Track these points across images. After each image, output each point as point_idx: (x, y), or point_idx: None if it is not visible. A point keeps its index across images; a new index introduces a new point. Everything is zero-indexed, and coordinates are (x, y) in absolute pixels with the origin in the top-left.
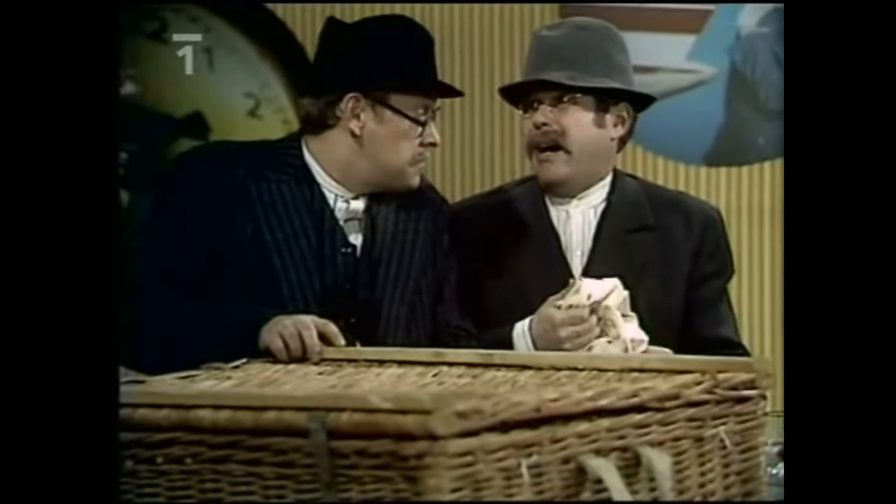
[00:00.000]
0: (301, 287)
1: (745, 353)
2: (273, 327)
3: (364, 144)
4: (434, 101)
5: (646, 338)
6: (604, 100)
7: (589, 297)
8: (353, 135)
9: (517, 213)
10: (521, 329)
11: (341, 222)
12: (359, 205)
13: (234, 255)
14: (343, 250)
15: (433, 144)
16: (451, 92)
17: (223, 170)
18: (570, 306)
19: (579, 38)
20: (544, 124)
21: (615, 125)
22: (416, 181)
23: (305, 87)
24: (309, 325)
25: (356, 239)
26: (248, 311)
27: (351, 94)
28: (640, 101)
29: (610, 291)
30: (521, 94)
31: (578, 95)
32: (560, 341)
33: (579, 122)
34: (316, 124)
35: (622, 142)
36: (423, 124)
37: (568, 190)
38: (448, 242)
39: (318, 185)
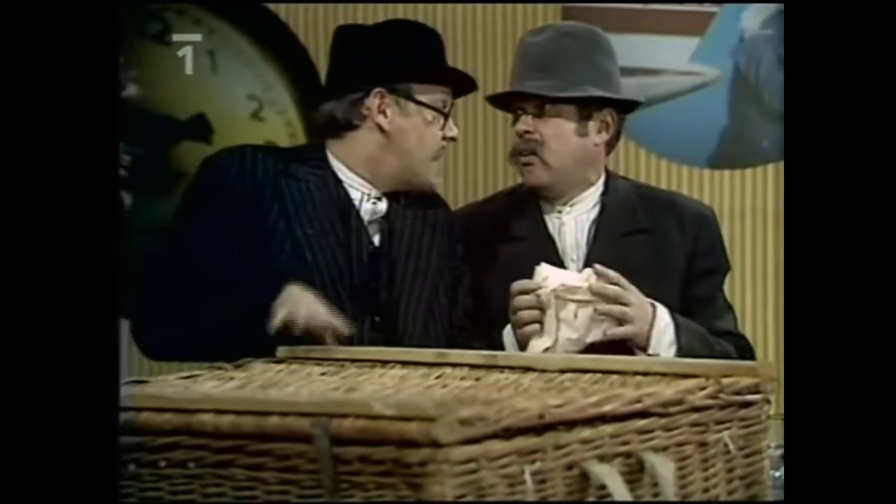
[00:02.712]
0: (333, 283)
1: (747, 343)
2: (287, 302)
3: (392, 139)
4: (451, 94)
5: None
6: (586, 107)
7: (546, 279)
8: (382, 130)
9: (513, 220)
10: (508, 328)
11: (366, 223)
12: (382, 207)
13: (267, 249)
14: (370, 250)
15: (452, 139)
16: (467, 83)
17: (254, 166)
18: (520, 291)
19: (562, 45)
20: (526, 132)
21: (599, 131)
22: (437, 179)
23: (326, 92)
24: (322, 330)
25: (379, 240)
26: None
27: (377, 90)
28: (626, 105)
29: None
30: (507, 102)
31: (560, 104)
32: (512, 325)
33: (560, 131)
34: (340, 127)
35: (609, 146)
36: (446, 115)
37: (554, 195)
38: (462, 252)
39: (343, 186)
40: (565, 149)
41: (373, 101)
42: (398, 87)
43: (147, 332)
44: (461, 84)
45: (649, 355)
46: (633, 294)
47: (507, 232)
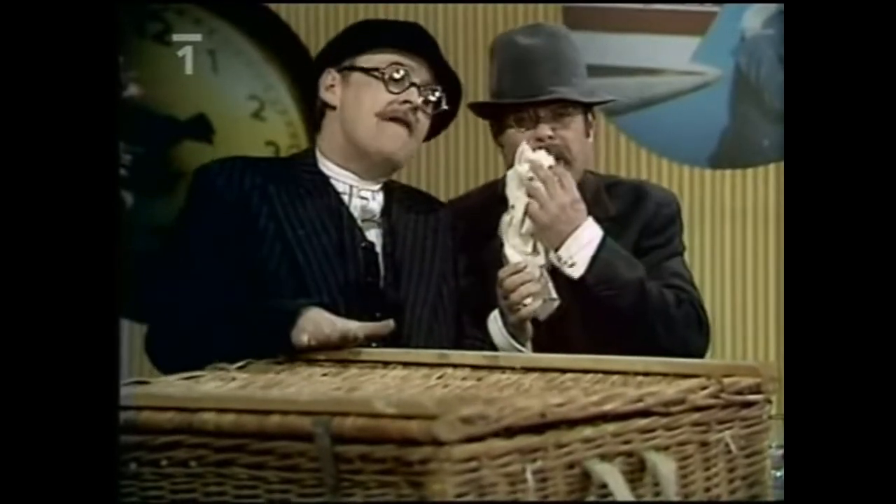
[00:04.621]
0: (326, 281)
1: (690, 298)
2: (306, 328)
3: (340, 113)
4: (414, 63)
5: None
6: (587, 109)
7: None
8: (333, 108)
9: (488, 217)
10: (492, 315)
11: (359, 221)
12: (374, 206)
13: (259, 253)
14: (362, 245)
15: (407, 102)
16: (425, 46)
17: (243, 174)
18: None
19: (560, 48)
20: (549, 137)
21: (591, 129)
22: (388, 145)
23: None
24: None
25: (374, 237)
26: (281, 303)
27: (327, 69)
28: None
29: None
30: (507, 108)
31: (574, 107)
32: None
33: (577, 134)
34: (318, 118)
35: None
36: (382, 73)
37: None
38: (465, 263)
39: (332, 184)
40: (582, 150)
41: (325, 80)
42: (344, 63)
43: (159, 349)
44: (410, 43)
45: (559, 259)
46: (565, 193)
47: (483, 230)
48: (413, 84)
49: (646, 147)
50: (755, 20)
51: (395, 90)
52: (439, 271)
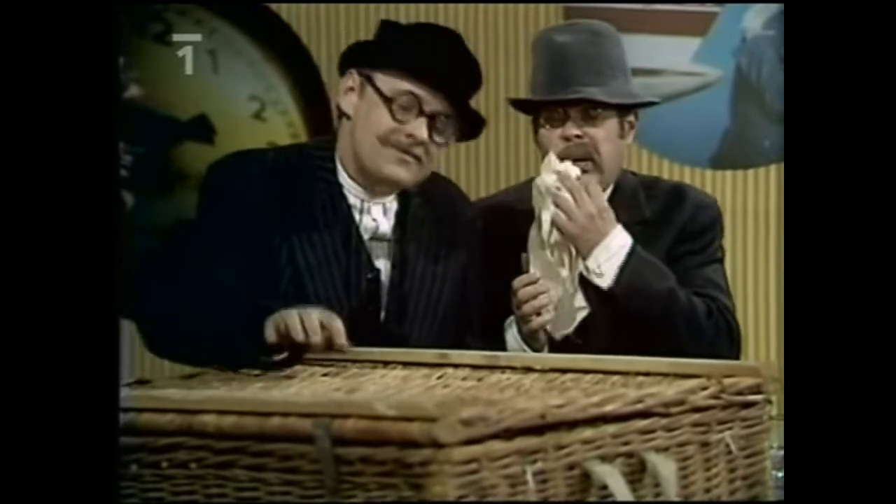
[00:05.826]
0: (330, 306)
1: (720, 307)
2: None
3: (353, 123)
4: (430, 94)
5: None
6: (624, 110)
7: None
8: (348, 116)
9: (522, 216)
10: (508, 321)
11: (367, 241)
12: (385, 227)
13: (269, 274)
14: (368, 276)
15: (411, 136)
16: (446, 78)
17: (262, 177)
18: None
19: (598, 47)
20: (577, 136)
21: (629, 130)
22: (393, 171)
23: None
24: (316, 328)
25: (383, 264)
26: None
27: (349, 71)
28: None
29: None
30: (541, 105)
31: (608, 108)
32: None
33: (608, 134)
34: (336, 119)
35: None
36: (391, 101)
37: None
38: (478, 271)
39: (343, 195)
40: (614, 150)
41: (345, 81)
42: (364, 70)
43: (156, 333)
44: (431, 72)
45: (587, 269)
46: (592, 202)
47: (516, 229)
48: (423, 114)
49: (646, 147)
50: (756, 21)
51: (402, 119)
52: (448, 301)
